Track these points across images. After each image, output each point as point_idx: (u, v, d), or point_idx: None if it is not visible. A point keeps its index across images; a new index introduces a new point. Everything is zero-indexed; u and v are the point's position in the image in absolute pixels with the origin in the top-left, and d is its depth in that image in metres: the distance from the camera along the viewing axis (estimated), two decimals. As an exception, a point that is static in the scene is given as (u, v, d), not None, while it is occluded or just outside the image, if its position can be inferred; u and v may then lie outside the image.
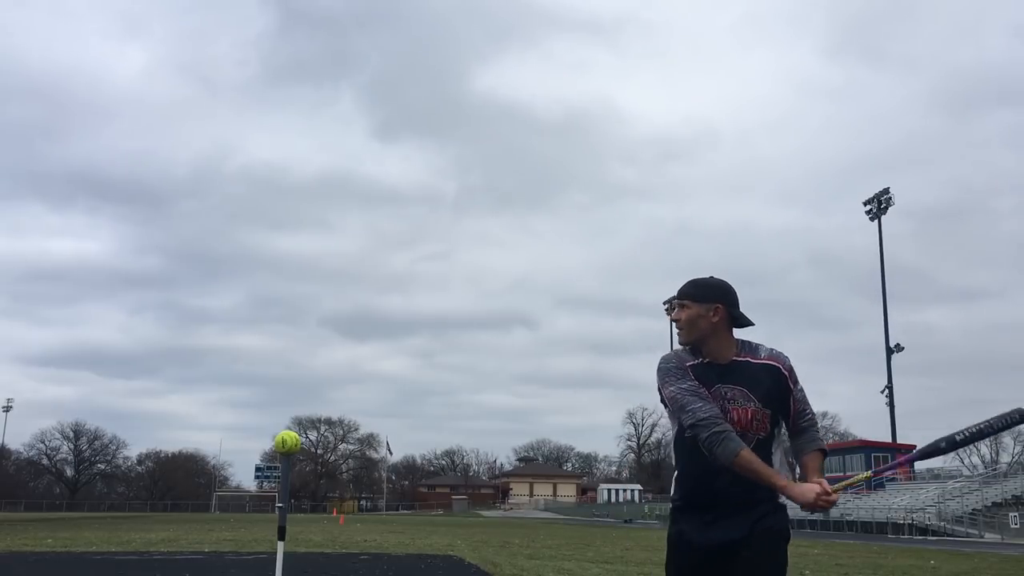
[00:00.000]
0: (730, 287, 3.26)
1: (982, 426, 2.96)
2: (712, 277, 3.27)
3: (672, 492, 3.26)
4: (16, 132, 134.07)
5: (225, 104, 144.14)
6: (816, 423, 3.27)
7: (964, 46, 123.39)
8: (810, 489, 3.01)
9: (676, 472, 3.24)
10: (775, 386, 3.14)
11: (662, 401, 3.21)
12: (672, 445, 3.31)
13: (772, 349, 3.25)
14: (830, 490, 3.02)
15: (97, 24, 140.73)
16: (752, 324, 3.23)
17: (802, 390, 3.24)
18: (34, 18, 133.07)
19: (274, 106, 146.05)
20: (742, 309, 3.22)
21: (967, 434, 2.99)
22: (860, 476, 3.30)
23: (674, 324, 3.25)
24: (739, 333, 3.26)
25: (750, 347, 3.22)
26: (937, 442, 3.03)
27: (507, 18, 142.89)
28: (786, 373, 3.19)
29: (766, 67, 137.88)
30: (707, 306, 3.16)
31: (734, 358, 3.17)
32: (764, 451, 3.10)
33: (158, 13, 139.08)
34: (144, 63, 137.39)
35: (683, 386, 3.11)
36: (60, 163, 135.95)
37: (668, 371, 3.16)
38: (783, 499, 3.10)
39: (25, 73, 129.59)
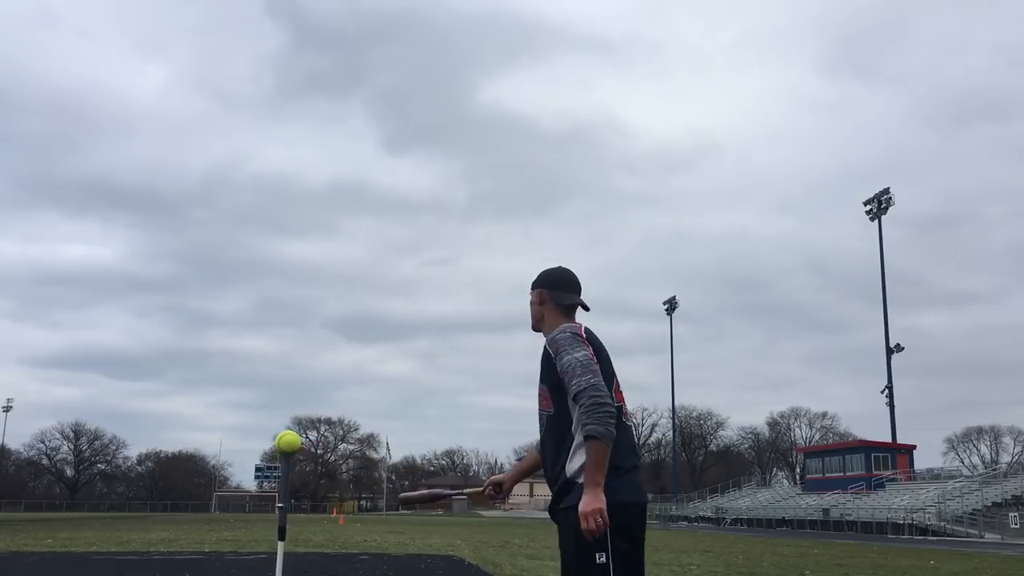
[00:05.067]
0: (559, 272, 3.33)
1: None
2: (557, 267, 3.36)
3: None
4: (35, 144, 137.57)
5: (239, 118, 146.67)
6: (580, 396, 2.89)
7: (951, 64, 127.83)
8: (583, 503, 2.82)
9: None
10: (544, 360, 3.14)
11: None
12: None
13: (564, 326, 3.17)
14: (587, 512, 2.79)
15: (119, 44, 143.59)
16: (583, 307, 3.29)
17: (569, 362, 2.98)
18: (60, 39, 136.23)
19: (287, 119, 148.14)
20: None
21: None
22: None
23: None
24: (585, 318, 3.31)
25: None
26: None
27: (516, 36, 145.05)
28: (548, 345, 3.14)
29: (764, 83, 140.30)
30: (535, 292, 3.33)
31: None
32: (558, 429, 3.06)
33: (177, 33, 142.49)
34: (162, 80, 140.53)
35: None
36: (77, 174, 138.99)
37: None
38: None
39: (47, 87, 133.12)
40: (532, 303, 3.34)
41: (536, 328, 3.35)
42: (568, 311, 3.28)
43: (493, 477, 3.57)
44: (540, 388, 3.16)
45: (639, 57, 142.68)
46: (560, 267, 3.37)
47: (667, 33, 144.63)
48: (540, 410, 3.16)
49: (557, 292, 3.29)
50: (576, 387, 2.91)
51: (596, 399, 2.86)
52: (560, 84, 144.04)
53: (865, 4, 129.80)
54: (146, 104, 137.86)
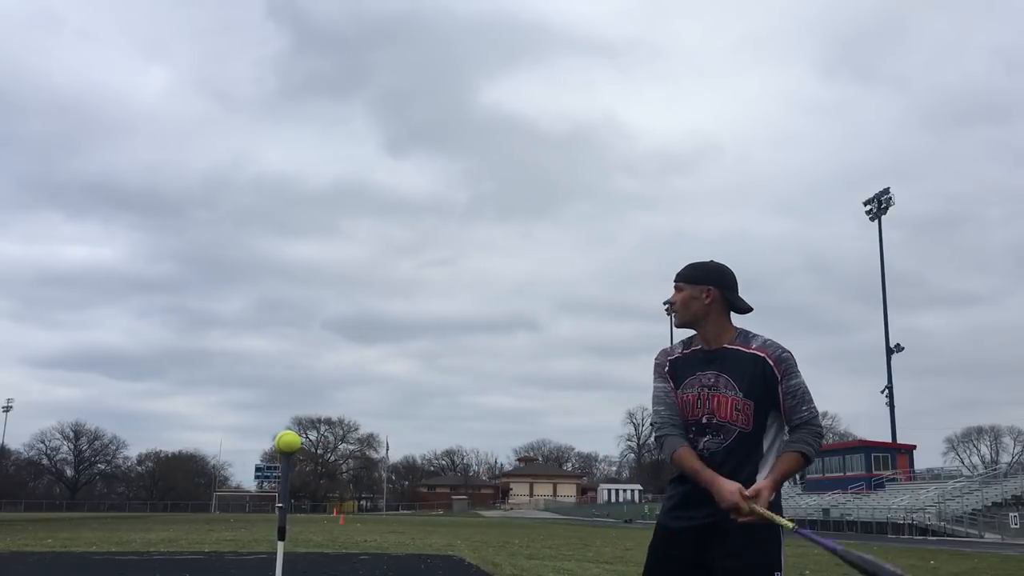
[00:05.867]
0: (726, 270, 3.16)
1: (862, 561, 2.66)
2: (711, 261, 3.19)
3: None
4: (37, 146, 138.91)
5: (241, 119, 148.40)
6: (812, 422, 3.00)
7: (949, 66, 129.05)
8: (729, 490, 2.82)
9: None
10: (760, 377, 2.97)
11: None
12: None
13: (769, 340, 3.06)
14: (748, 494, 2.80)
15: (122, 46, 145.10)
16: (750, 309, 3.13)
17: (799, 385, 2.99)
18: (62, 41, 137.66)
19: (288, 121, 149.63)
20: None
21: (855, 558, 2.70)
22: (784, 522, 2.91)
23: (670, 307, 3.20)
24: (742, 321, 3.17)
25: (746, 336, 3.08)
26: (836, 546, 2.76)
27: (517, 39, 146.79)
28: (772, 364, 2.98)
29: (763, 85, 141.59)
30: (699, 288, 3.10)
31: (726, 345, 3.06)
32: (748, 445, 2.98)
33: (179, 36, 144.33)
34: (164, 82, 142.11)
35: (656, 386, 3.16)
36: (78, 175, 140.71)
37: (655, 367, 3.20)
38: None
39: (49, 89, 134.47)
40: (692, 298, 3.10)
41: (687, 325, 3.15)
42: (730, 313, 3.13)
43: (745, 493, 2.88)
44: (739, 402, 2.98)
45: (640, 60, 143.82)
46: (719, 263, 3.19)
47: (668, 36, 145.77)
48: (727, 422, 2.99)
49: (731, 292, 3.12)
50: (808, 413, 3.01)
51: (821, 430, 3.06)
52: (561, 86, 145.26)
53: (863, 7, 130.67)
54: (148, 106, 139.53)
